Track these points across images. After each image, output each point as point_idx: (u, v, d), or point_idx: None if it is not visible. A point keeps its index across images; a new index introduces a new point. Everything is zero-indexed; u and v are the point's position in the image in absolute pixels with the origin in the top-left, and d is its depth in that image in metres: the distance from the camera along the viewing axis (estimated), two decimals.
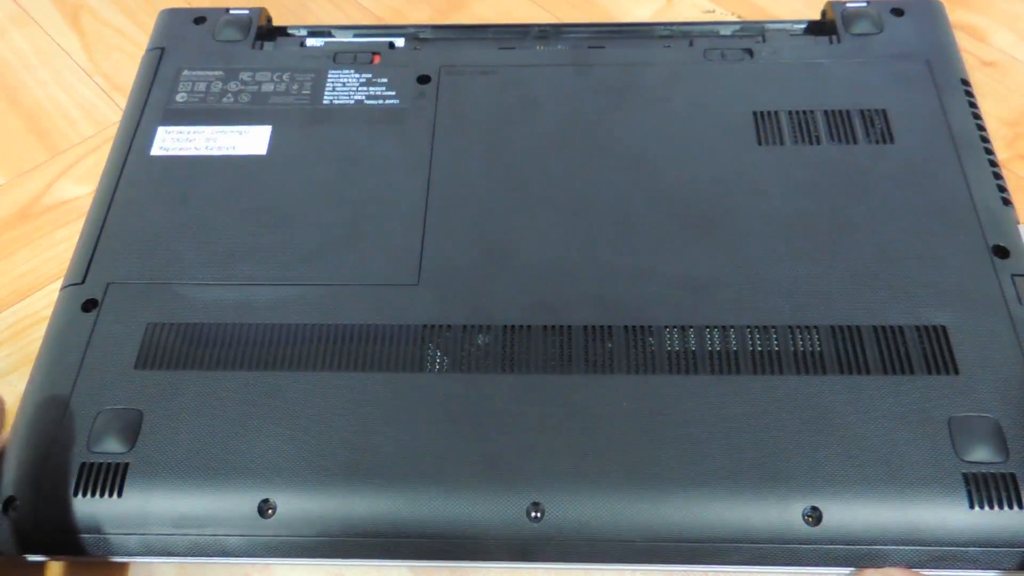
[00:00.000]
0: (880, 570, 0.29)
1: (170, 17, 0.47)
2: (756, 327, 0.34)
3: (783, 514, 0.29)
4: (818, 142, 0.39)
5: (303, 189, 0.39)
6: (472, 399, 0.32)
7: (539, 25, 0.46)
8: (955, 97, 0.40)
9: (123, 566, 0.33)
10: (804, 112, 0.40)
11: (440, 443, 0.31)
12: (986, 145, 0.39)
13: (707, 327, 0.34)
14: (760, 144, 0.39)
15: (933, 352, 0.32)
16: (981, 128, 0.39)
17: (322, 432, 0.32)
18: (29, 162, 0.49)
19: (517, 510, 0.30)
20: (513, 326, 0.34)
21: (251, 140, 0.41)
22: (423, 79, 0.43)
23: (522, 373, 0.33)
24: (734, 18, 0.54)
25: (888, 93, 0.41)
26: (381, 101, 0.42)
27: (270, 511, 0.30)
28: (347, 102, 0.42)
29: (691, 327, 0.34)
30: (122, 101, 0.50)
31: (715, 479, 0.30)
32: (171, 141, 0.41)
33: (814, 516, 0.29)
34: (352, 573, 0.32)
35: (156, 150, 0.41)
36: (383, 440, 0.31)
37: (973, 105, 0.40)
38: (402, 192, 0.38)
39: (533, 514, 0.30)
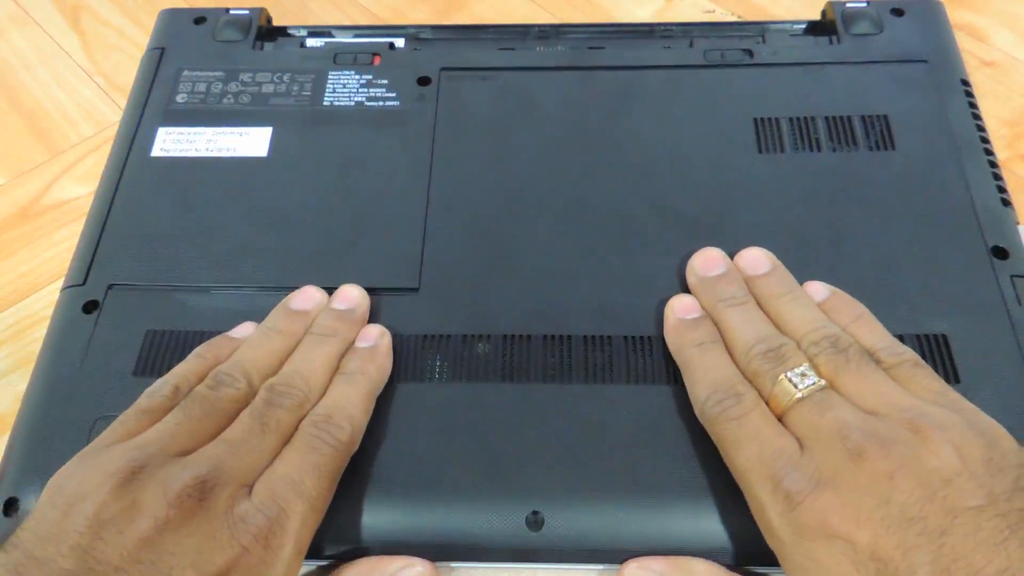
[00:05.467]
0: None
1: (170, 17, 0.47)
2: None
3: None
4: (818, 149, 0.39)
5: (304, 191, 0.39)
6: (472, 408, 0.32)
7: (539, 25, 0.46)
8: (955, 98, 0.40)
9: None
10: (804, 118, 0.40)
11: (440, 452, 0.31)
12: (986, 146, 0.39)
13: None
14: (760, 152, 0.39)
15: (934, 361, 0.32)
16: (981, 129, 0.39)
17: None
18: (29, 162, 0.49)
19: (517, 519, 0.30)
20: (513, 335, 0.34)
21: (252, 142, 0.40)
22: (423, 80, 0.42)
23: (522, 382, 0.33)
24: (734, 18, 0.54)
25: (888, 95, 0.40)
26: (381, 103, 0.42)
27: None
28: (347, 103, 0.42)
29: None
30: (122, 101, 0.50)
31: (715, 489, 0.30)
32: (171, 142, 0.41)
33: None
34: None
35: (156, 151, 0.40)
36: (382, 448, 0.31)
37: (973, 106, 0.40)
38: (403, 195, 0.38)
39: (533, 523, 0.30)
